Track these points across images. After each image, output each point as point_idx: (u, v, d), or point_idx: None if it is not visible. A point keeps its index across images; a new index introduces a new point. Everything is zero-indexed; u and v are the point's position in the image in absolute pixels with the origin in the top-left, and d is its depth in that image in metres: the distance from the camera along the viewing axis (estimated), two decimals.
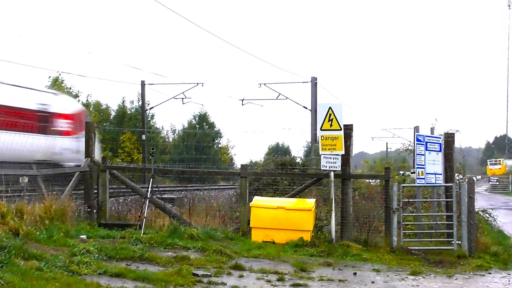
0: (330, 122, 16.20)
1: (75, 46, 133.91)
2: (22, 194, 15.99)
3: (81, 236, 14.47)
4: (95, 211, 17.92)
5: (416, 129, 24.34)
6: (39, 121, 31.48)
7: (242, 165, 17.96)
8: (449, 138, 17.98)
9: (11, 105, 29.50)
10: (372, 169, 45.01)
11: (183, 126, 73.11)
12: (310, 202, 16.62)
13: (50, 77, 76.57)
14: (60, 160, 31.33)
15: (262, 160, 29.19)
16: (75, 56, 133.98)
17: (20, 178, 16.25)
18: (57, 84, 74.97)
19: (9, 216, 13.07)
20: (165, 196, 23.33)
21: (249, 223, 16.47)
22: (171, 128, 74.90)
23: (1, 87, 30.01)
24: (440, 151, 17.75)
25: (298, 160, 28.02)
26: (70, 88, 79.67)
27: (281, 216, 16.04)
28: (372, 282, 11.83)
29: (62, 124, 33.18)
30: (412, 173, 22.85)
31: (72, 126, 33.54)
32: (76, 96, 59.94)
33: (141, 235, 14.75)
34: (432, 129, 24.71)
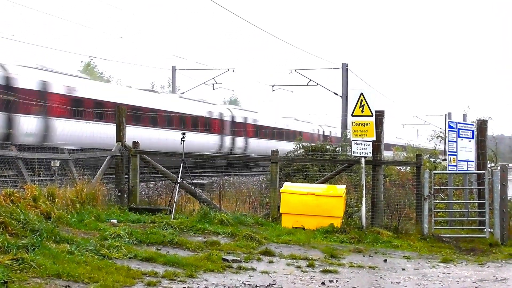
0: (361, 108, 16.06)
1: (107, 30, 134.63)
2: (53, 178, 16.10)
3: (111, 220, 14.54)
4: (125, 195, 17.99)
5: (448, 115, 24.19)
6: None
7: (272, 151, 17.87)
8: (482, 125, 17.82)
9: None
10: (403, 156, 44.69)
11: None
12: (341, 188, 16.54)
13: (82, 62, 77.37)
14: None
15: (293, 146, 29.00)
16: (107, 40, 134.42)
17: (52, 162, 16.34)
18: (89, 69, 75.55)
19: (41, 199, 13.19)
20: (195, 181, 23.36)
21: (279, 209, 16.42)
22: None
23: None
24: (472, 138, 17.58)
25: (328, 146, 27.87)
26: (102, 73, 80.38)
27: (311, 202, 15.97)
28: (403, 269, 11.77)
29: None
30: (443, 160, 22.67)
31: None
32: (107, 81, 60.31)
33: (171, 220, 14.80)
34: (464, 116, 24.55)
